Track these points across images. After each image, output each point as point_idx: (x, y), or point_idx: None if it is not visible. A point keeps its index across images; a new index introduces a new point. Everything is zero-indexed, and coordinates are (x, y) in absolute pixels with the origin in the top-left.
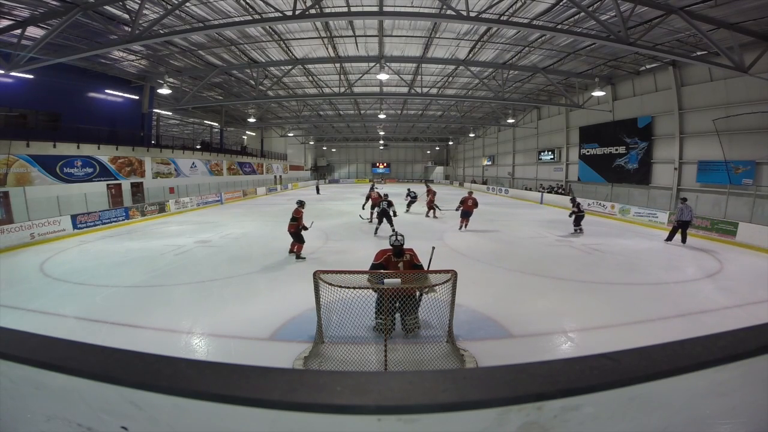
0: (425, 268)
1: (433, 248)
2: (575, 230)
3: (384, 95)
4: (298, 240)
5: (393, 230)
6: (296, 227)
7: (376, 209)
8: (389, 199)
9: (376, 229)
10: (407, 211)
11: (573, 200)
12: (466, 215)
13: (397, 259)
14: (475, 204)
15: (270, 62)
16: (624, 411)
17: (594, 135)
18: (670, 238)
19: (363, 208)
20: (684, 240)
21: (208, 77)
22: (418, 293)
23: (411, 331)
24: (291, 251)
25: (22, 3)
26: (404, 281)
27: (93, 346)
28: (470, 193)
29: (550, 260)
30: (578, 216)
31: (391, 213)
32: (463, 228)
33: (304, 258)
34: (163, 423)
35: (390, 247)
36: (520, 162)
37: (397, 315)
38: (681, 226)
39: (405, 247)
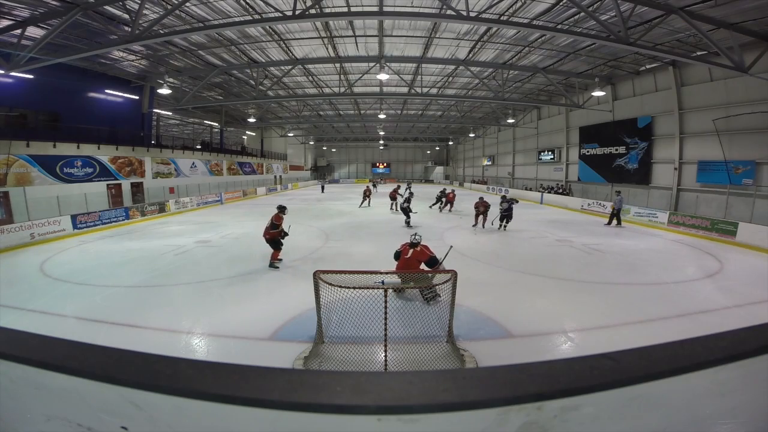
0: (439, 260)
1: (451, 247)
2: (500, 226)
3: (384, 95)
4: (275, 246)
5: (406, 222)
6: (276, 235)
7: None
8: (409, 197)
9: (406, 221)
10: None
11: (504, 197)
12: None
13: (411, 248)
14: (454, 196)
15: (270, 62)
16: (624, 411)
17: (594, 135)
18: (609, 223)
19: (391, 208)
20: (619, 222)
21: (208, 77)
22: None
23: (431, 300)
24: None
25: (22, 3)
26: (405, 279)
27: (93, 346)
28: (445, 188)
29: (550, 260)
30: (505, 215)
31: (410, 209)
32: (446, 210)
33: (278, 267)
34: (163, 423)
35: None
36: (520, 162)
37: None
38: (616, 213)
39: (422, 243)
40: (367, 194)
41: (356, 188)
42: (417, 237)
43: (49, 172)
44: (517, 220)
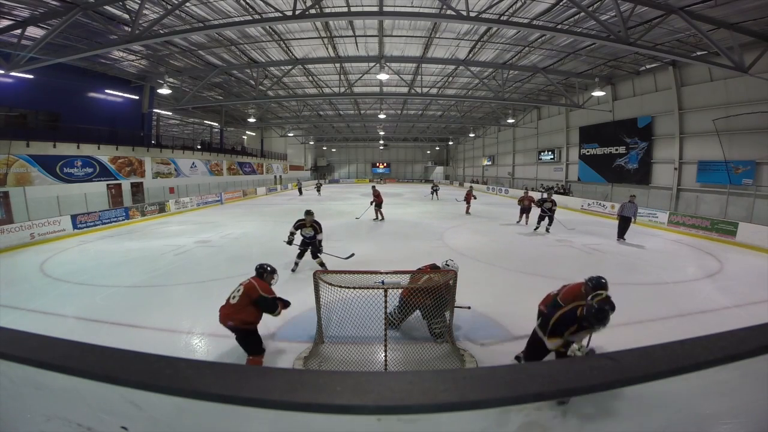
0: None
1: (468, 307)
2: (545, 228)
3: (384, 95)
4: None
5: (320, 263)
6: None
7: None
8: (316, 220)
9: (296, 264)
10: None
11: (547, 197)
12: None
13: (431, 270)
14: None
15: (270, 62)
16: (624, 411)
17: (594, 135)
18: (622, 237)
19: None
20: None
21: (208, 77)
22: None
23: (438, 336)
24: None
25: (22, 3)
26: (412, 281)
27: (93, 346)
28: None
29: (550, 260)
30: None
31: (317, 241)
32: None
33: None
34: (163, 423)
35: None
36: (520, 162)
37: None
38: (624, 221)
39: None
40: (469, 199)
41: (356, 188)
42: (453, 263)
43: (49, 172)
44: (517, 220)
